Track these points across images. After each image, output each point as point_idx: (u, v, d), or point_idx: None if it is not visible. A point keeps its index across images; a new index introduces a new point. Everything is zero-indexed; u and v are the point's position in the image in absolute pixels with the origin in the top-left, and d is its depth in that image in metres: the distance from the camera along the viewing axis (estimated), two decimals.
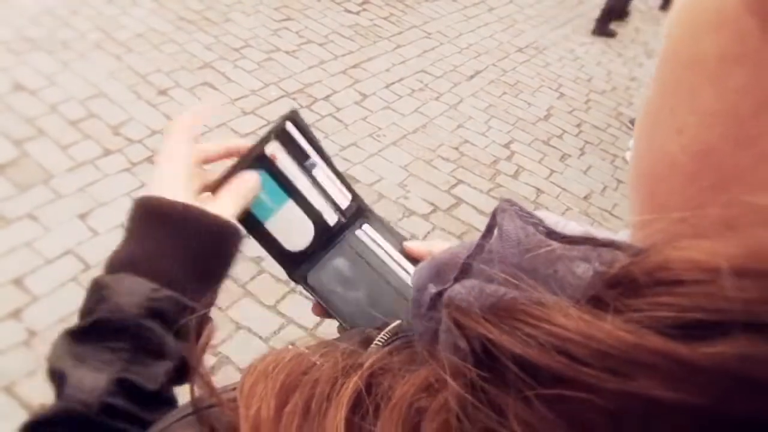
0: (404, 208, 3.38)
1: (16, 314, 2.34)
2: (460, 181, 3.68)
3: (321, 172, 0.70)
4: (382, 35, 4.92)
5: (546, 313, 0.22)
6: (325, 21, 4.83)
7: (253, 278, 2.72)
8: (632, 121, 4.89)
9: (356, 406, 0.26)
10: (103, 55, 3.76)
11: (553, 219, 0.33)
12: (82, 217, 2.79)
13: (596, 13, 6.20)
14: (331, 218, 0.71)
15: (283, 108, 3.76)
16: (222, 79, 3.88)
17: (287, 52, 4.32)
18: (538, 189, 3.80)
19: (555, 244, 0.29)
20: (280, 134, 0.66)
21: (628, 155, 4.43)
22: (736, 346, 0.18)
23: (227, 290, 2.71)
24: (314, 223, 0.69)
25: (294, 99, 3.87)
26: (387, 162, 3.64)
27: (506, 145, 4.11)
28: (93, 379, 0.49)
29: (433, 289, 0.31)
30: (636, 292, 0.21)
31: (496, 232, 0.32)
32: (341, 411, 0.25)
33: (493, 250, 0.31)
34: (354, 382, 0.27)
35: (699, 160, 0.26)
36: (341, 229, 0.72)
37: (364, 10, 5.26)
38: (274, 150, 0.65)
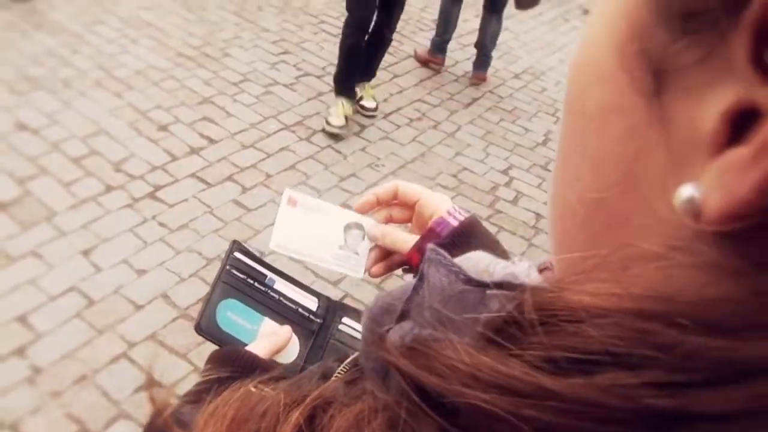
0: None
1: (20, 351, 2.34)
2: None
3: (282, 285, 0.76)
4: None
5: (441, 348, 0.26)
6: (322, 53, 4.89)
7: None
8: None
9: None
10: (104, 93, 3.81)
11: (486, 261, 0.35)
12: (86, 253, 2.81)
13: None
14: (309, 324, 0.75)
15: (282, 141, 3.80)
16: (221, 113, 3.92)
17: (285, 85, 4.37)
18: (538, 214, 3.82)
19: (475, 290, 0.31)
20: (234, 263, 0.74)
21: None
22: (597, 380, 0.21)
23: None
24: (294, 333, 0.73)
25: (293, 131, 3.91)
26: None
27: (505, 171, 4.13)
28: None
29: (379, 328, 0.33)
30: (519, 332, 0.24)
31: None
32: None
33: (425, 296, 0.33)
34: (296, 417, 0.27)
35: (592, 208, 0.29)
36: (323, 329, 0.75)
37: None
38: (232, 278, 0.72)
